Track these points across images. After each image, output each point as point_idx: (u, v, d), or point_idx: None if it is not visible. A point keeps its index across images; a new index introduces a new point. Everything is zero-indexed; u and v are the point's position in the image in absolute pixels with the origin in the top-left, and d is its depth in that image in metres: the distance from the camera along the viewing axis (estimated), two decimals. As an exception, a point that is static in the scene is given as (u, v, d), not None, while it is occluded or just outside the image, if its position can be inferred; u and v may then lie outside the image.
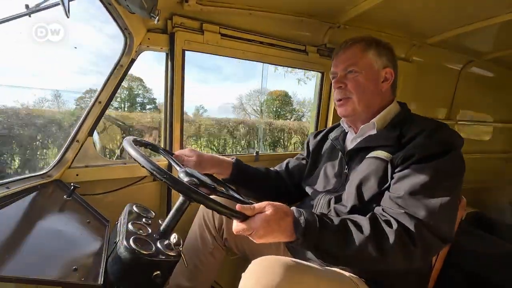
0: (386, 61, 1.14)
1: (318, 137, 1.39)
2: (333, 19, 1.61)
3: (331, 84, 1.83)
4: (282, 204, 0.86)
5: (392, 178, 0.96)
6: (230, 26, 1.50)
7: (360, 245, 0.83)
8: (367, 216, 0.90)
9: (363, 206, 0.98)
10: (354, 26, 1.65)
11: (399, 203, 0.89)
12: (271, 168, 1.46)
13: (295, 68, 1.80)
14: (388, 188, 0.96)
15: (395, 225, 0.85)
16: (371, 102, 1.13)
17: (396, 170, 0.96)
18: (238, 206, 0.80)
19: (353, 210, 1.00)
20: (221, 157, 1.31)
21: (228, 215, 0.79)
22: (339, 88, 1.14)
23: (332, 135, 1.31)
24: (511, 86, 2.66)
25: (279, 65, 1.75)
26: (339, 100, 1.16)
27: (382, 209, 0.92)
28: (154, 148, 1.17)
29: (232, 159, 1.33)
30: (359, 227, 0.86)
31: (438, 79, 2.21)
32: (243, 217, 0.80)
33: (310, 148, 1.40)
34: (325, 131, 1.41)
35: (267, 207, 0.82)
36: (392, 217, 0.87)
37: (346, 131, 1.27)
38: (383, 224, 0.86)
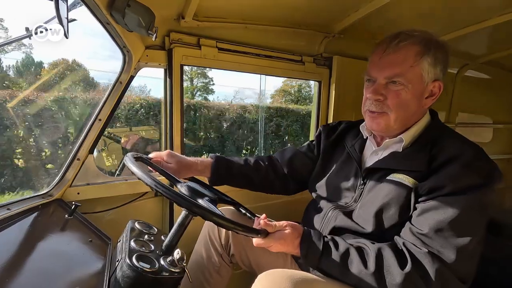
0: (439, 71, 0.94)
1: (332, 137, 1.25)
2: (328, 29, 1.64)
3: (329, 92, 1.85)
4: (297, 224, 0.92)
5: (415, 208, 0.88)
6: (226, 40, 1.52)
7: (359, 278, 0.83)
8: (377, 248, 0.85)
9: (380, 233, 0.93)
10: (348, 35, 1.67)
11: (424, 240, 0.82)
12: (264, 158, 1.34)
13: (292, 78, 1.81)
14: (410, 218, 0.89)
15: (408, 267, 0.79)
16: (408, 120, 0.97)
17: (420, 200, 0.87)
18: (262, 223, 0.87)
19: (369, 235, 0.94)
20: (200, 159, 1.24)
21: (253, 236, 0.86)
22: (377, 101, 0.96)
23: (348, 141, 1.17)
24: (508, 87, 2.68)
25: (276, 76, 1.76)
26: (372, 112, 0.99)
27: (403, 243, 0.85)
28: (142, 160, 1.15)
29: (212, 158, 1.25)
30: (363, 260, 0.84)
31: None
32: (266, 234, 0.87)
33: (321, 148, 1.26)
34: (339, 130, 1.25)
35: (287, 226, 0.89)
36: (411, 254, 0.81)
37: (365, 137, 1.13)
38: (393, 263, 0.81)
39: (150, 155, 1.15)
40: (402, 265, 0.80)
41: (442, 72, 0.96)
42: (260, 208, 1.29)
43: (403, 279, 0.79)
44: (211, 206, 0.89)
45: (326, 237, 0.92)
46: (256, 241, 0.88)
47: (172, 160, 1.14)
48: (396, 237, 0.90)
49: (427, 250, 0.81)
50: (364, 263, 0.83)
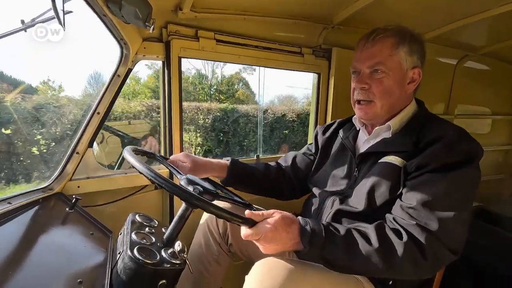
0: (416, 59, 1.03)
1: (328, 133, 1.32)
2: (327, 20, 1.62)
3: (328, 84, 1.85)
4: (288, 212, 0.88)
5: (404, 185, 0.92)
6: (225, 31, 1.50)
7: (366, 257, 0.82)
8: (374, 225, 0.87)
9: (373, 212, 0.96)
10: (348, 26, 1.66)
11: (411, 214, 0.86)
12: (272, 163, 1.41)
13: (291, 70, 1.80)
14: (400, 196, 0.93)
15: (405, 237, 0.82)
16: (394, 106, 1.05)
17: (409, 177, 0.92)
18: (247, 213, 0.82)
19: (362, 215, 0.97)
20: (215, 160, 1.30)
21: (237, 223, 0.81)
22: (363, 89, 1.05)
23: (342, 133, 1.24)
24: (507, 78, 2.67)
25: (275, 68, 1.75)
26: (359, 101, 1.08)
27: (393, 218, 0.89)
28: (152, 156, 1.17)
29: (228, 160, 1.31)
30: (366, 238, 0.84)
31: (434, 75, 2.21)
32: (252, 223, 0.81)
33: (319, 144, 1.33)
34: (334, 126, 1.33)
35: (275, 213, 0.84)
36: (403, 227, 0.85)
37: (358, 129, 1.20)
38: (392, 236, 0.84)
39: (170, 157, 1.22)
40: (399, 237, 0.83)
41: (420, 61, 1.05)
42: (258, 202, 1.30)
43: (404, 250, 0.81)
44: (188, 189, 0.87)
45: (322, 223, 0.89)
46: (244, 233, 0.82)
47: (187, 159, 1.18)
48: (387, 215, 0.93)
49: (414, 223, 0.84)
50: (368, 240, 0.83)
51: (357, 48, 1.09)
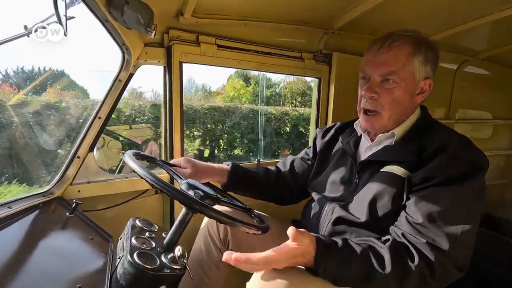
0: (429, 69, 0.99)
1: (327, 137, 1.29)
2: (328, 25, 1.63)
3: (328, 89, 1.85)
4: (297, 247, 0.78)
5: (408, 197, 0.90)
6: (226, 37, 1.52)
7: (379, 280, 0.79)
8: (388, 245, 0.83)
9: (375, 222, 0.94)
10: (348, 31, 1.67)
11: (420, 230, 0.83)
12: (272, 168, 1.41)
13: (292, 75, 1.80)
14: (403, 207, 0.90)
15: (417, 259, 0.80)
16: (401, 116, 1.02)
17: (413, 189, 0.89)
18: (293, 231, 0.75)
19: (364, 225, 0.95)
20: (216, 164, 1.29)
21: (238, 227, 0.81)
22: (371, 98, 1.00)
23: (343, 138, 1.21)
24: (508, 83, 2.67)
25: (276, 73, 1.76)
26: (366, 111, 1.03)
27: (402, 234, 0.86)
28: (153, 161, 1.17)
29: (228, 165, 1.30)
30: (380, 261, 0.80)
31: (435, 79, 2.21)
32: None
33: (318, 148, 1.31)
34: (334, 129, 1.30)
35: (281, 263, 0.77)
36: (414, 246, 0.82)
37: (359, 134, 1.17)
38: (406, 258, 0.81)
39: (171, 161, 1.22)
40: (411, 259, 0.81)
41: (433, 71, 1.01)
42: (258, 206, 1.29)
43: (415, 271, 0.79)
44: (194, 197, 0.88)
45: (337, 242, 0.83)
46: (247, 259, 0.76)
47: (188, 165, 1.18)
48: (393, 228, 0.90)
49: (425, 240, 0.82)
50: (381, 265, 0.79)
51: (369, 50, 1.02)
